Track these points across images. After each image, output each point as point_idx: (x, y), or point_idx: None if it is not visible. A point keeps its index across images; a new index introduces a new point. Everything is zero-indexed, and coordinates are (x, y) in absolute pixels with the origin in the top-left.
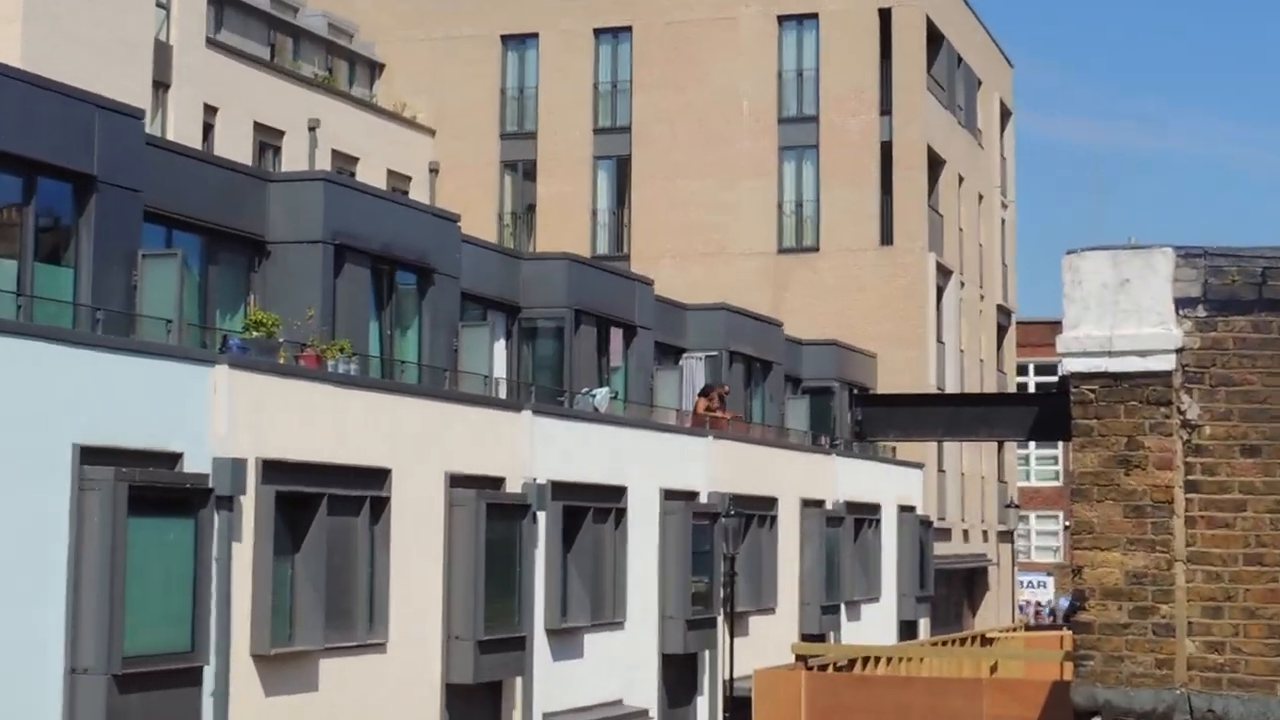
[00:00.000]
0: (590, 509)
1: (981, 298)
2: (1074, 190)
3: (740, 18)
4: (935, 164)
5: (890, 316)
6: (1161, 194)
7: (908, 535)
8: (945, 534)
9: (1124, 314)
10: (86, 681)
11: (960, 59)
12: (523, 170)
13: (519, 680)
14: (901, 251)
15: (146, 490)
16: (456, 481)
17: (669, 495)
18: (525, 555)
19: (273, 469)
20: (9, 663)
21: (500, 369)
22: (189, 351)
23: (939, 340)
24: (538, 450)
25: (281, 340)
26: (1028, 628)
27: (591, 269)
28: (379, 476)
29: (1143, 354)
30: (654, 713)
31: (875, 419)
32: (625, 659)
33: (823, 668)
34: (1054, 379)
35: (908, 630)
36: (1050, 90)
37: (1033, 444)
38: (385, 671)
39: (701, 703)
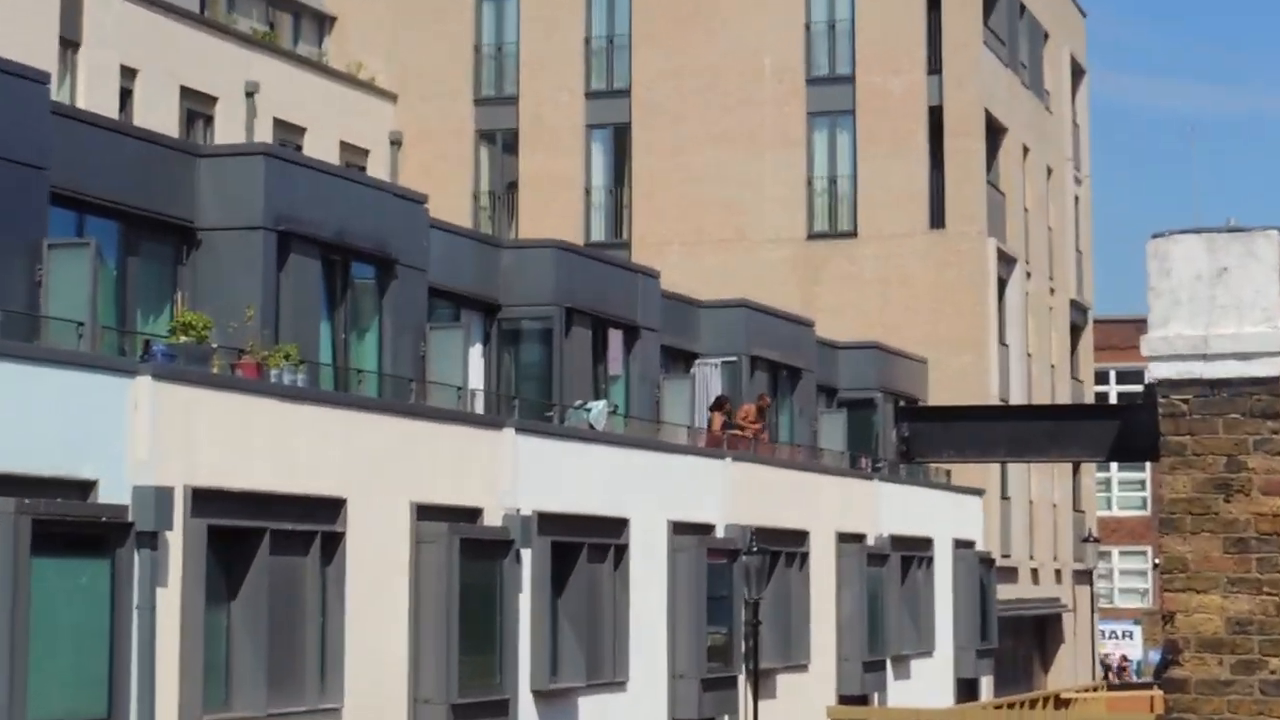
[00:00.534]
0: (585, 546)
1: (1052, 291)
2: (1160, 163)
3: None
4: (995, 132)
5: (943, 314)
6: (1264, 167)
7: (965, 576)
8: (1010, 574)
9: (1222, 310)
10: None
11: (1023, 7)
12: (502, 142)
13: None
14: (955, 236)
15: (54, 525)
16: (424, 513)
17: (679, 529)
18: (507, 602)
19: (204, 499)
20: None
21: (477, 379)
22: (104, 360)
23: (1001, 343)
24: (522, 476)
25: (215, 346)
26: (1110, 687)
27: (585, 259)
28: (332, 508)
29: (1244, 357)
30: None
31: (926, 436)
32: None
33: None
34: (1139, 388)
35: (967, 690)
36: (1130, 45)
37: (1114, 466)
38: None
39: None
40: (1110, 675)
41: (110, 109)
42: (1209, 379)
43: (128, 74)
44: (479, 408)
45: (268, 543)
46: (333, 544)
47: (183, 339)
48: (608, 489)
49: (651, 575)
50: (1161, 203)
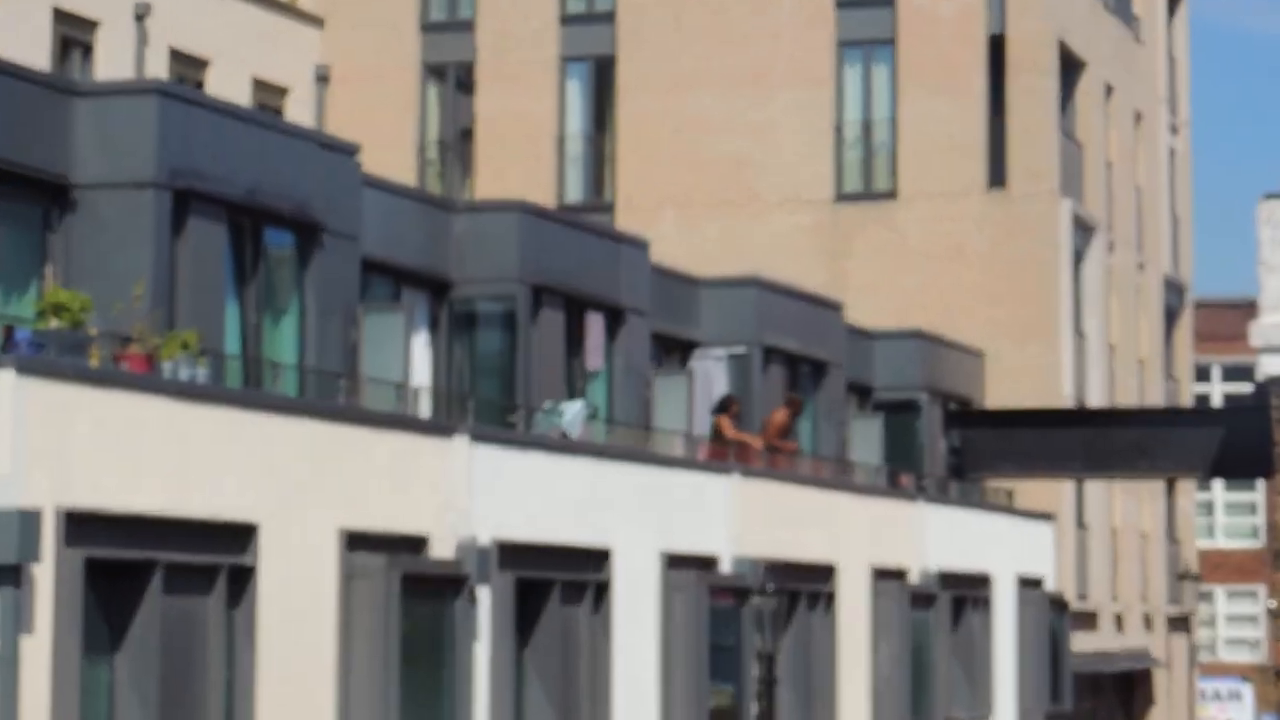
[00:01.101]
0: (557, 583)
1: (1141, 267)
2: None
3: None
4: (1071, 68)
5: (1004, 295)
6: None
7: (1033, 622)
8: (1088, 620)
9: None
10: None
11: None
12: (455, 78)
13: None
14: (1020, 198)
15: None
16: (357, 542)
17: (675, 563)
18: (460, 652)
19: (81, 525)
20: None
21: (422, 374)
22: None
23: (1077, 331)
24: (478, 495)
25: (94, 332)
26: None
27: (557, 225)
28: (240, 536)
29: None
30: None
31: (982, 447)
32: None
33: None
34: (1248, 387)
35: None
36: None
37: (1218, 485)
38: None
39: None
40: None
41: None
42: None
43: None
44: (424, 410)
45: (160, 579)
46: (241, 580)
47: (54, 324)
48: (586, 512)
49: (640, 620)
50: (1275, 156)
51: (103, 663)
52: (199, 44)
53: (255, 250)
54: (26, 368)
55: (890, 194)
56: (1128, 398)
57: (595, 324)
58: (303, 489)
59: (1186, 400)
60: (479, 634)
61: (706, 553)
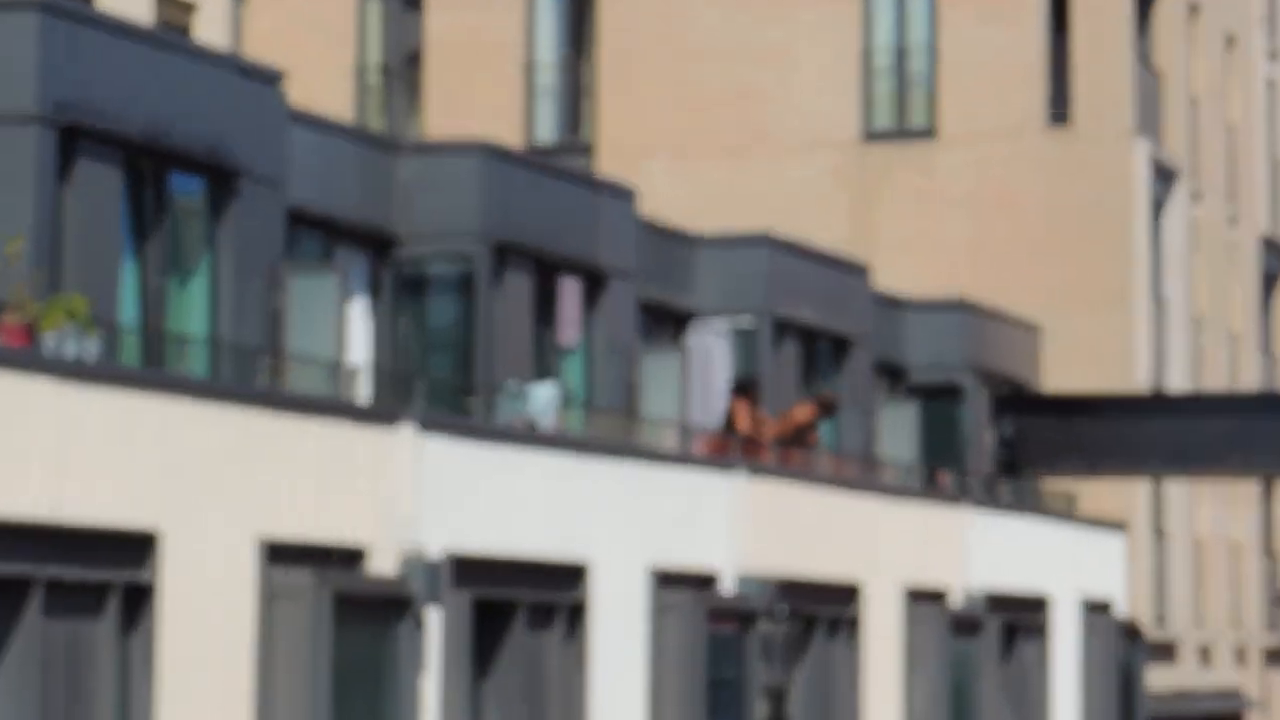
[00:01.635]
0: (522, 605)
1: (1233, 221)
2: None
3: None
4: None
5: (1066, 255)
6: None
7: (1100, 655)
8: (1168, 651)
9: None
10: None
11: None
12: None
13: None
14: (1088, 138)
15: None
16: (280, 555)
17: (666, 581)
18: (403, 684)
19: None
20: None
21: (359, 350)
22: None
23: (1155, 299)
24: (428, 497)
25: None
26: None
27: (525, 171)
28: (138, 547)
29: None
30: None
31: (1039, 440)
32: None
33: None
34: None
35: None
36: None
37: None
38: None
39: None
40: None
41: None
42: None
43: None
44: (363, 394)
45: (39, 599)
46: (138, 601)
47: None
48: (558, 519)
49: (623, 650)
50: None
51: None
52: None
53: (158, 199)
54: None
55: (928, 133)
56: (1217, 380)
57: (570, 290)
58: (214, 490)
59: None
60: (427, 665)
61: (704, 569)
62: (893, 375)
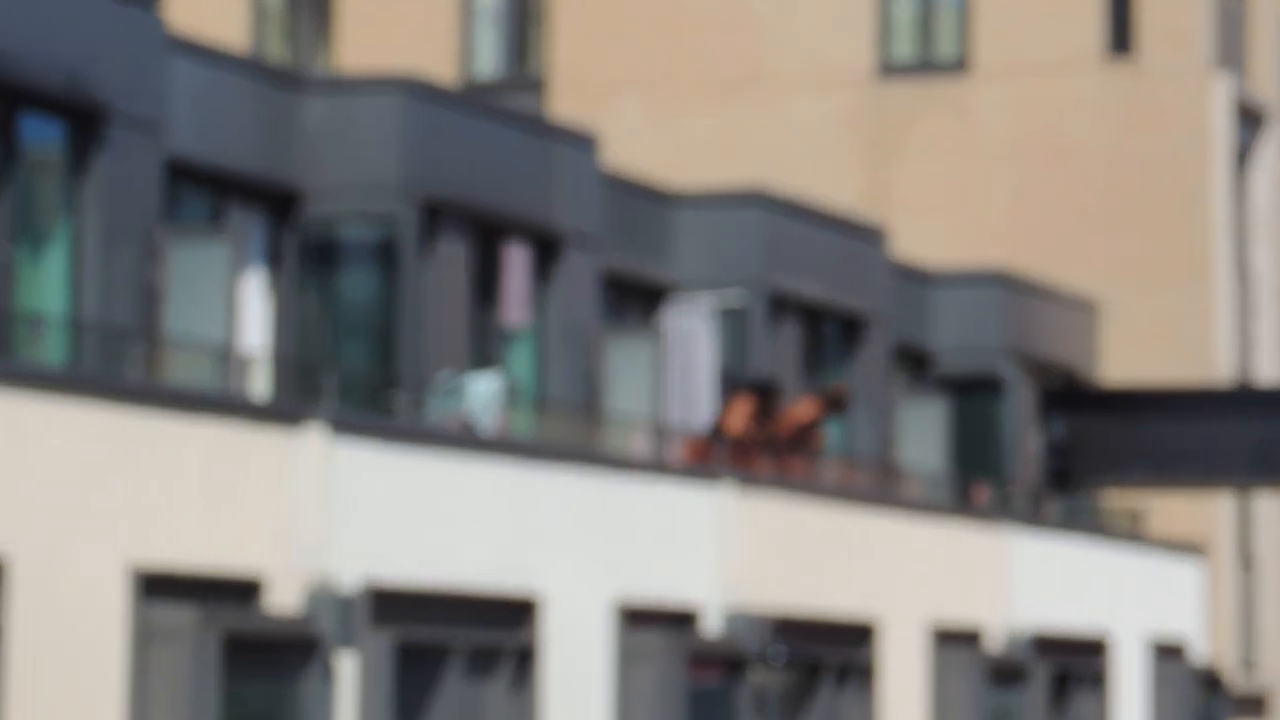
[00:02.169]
0: (457, 651)
1: None
2: None
3: None
4: None
5: (1129, 216)
6: None
7: (1172, 708)
8: (1255, 706)
9: None
10: None
11: None
12: None
13: None
14: (1156, 72)
15: None
16: (156, 587)
17: (635, 619)
18: None
19: None
20: None
21: (256, 332)
22: None
23: (1239, 272)
24: (340, 516)
25: None
26: None
27: (461, 113)
28: None
29: None
30: None
31: (1097, 444)
32: None
33: None
34: None
35: None
36: None
37: None
38: None
39: None
40: None
41: None
42: None
43: None
44: (260, 388)
45: None
46: None
47: None
48: (502, 542)
49: (583, 701)
50: None
51: None
52: None
53: (6, 148)
54: None
55: (959, 66)
56: None
57: (517, 260)
58: (75, 509)
59: None
60: (338, 718)
61: (683, 603)
62: (916, 364)
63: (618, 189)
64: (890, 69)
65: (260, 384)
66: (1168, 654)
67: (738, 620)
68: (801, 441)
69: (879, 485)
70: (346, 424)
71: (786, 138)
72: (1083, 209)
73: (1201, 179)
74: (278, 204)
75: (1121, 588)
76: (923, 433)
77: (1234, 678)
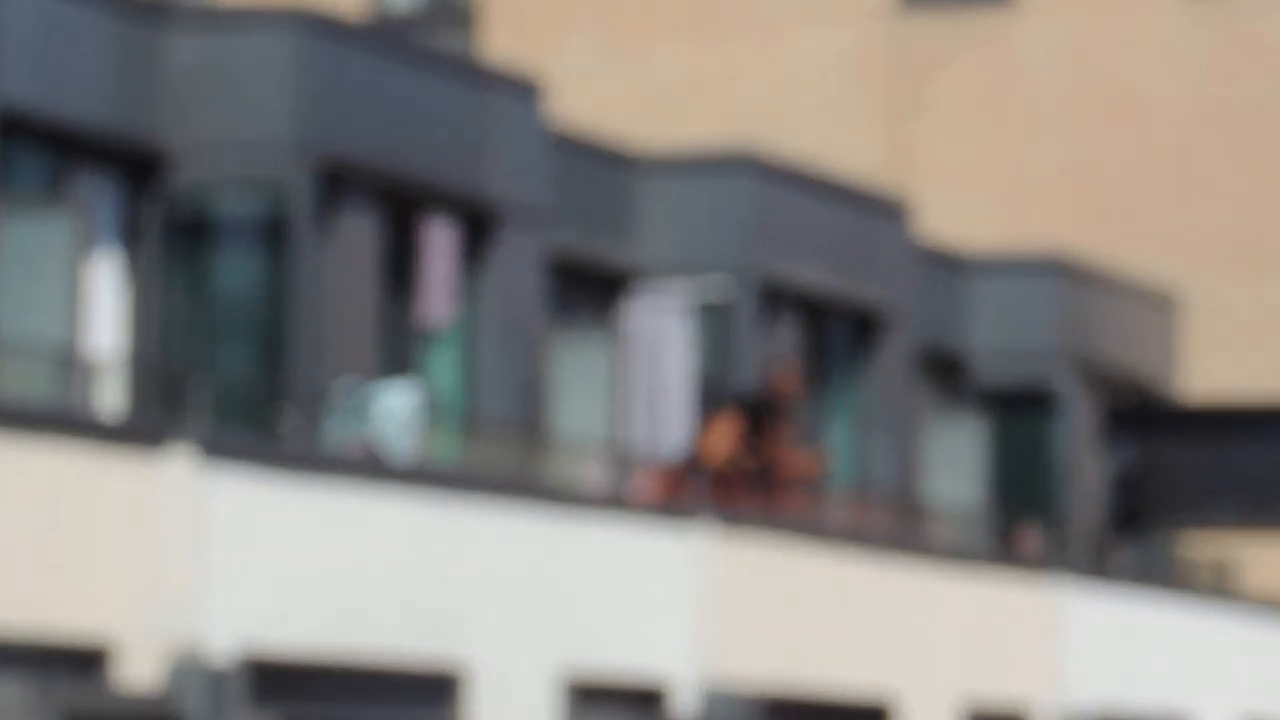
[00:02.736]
0: None
1: None
2: None
3: None
4: None
5: (1217, 190)
6: None
7: None
8: None
9: None
10: None
11: None
12: None
13: None
14: (1246, 9)
15: None
16: None
17: (586, 696)
18: None
19: None
20: None
21: (109, 329)
22: None
23: None
24: (212, 564)
25: None
26: None
27: (368, 52)
28: None
29: None
30: None
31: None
32: None
33: None
34: None
35: None
36: None
37: None
38: None
39: None
40: None
41: None
42: None
43: None
44: (112, 401)
45: None
46: None
47: None
48: (418, 597)
49: None
50: None
51: None
52: None
53: None
54: None
55: None
56: None
57: (441, 240)
58: None
59: None
60: None
61: (648, 676)
62: (948, 372)
63: (567, 150)
64: (913, 0)
65: (112, 397)
66: None
67: (717, 700)
68: (767, 473)
69: (899, 527)
70: (222, 447)
71: (782, 85)
72: (1157, 177)
73: None
74: (135, 168)
75: (1205, 656)
76: (955, 460)
77: None
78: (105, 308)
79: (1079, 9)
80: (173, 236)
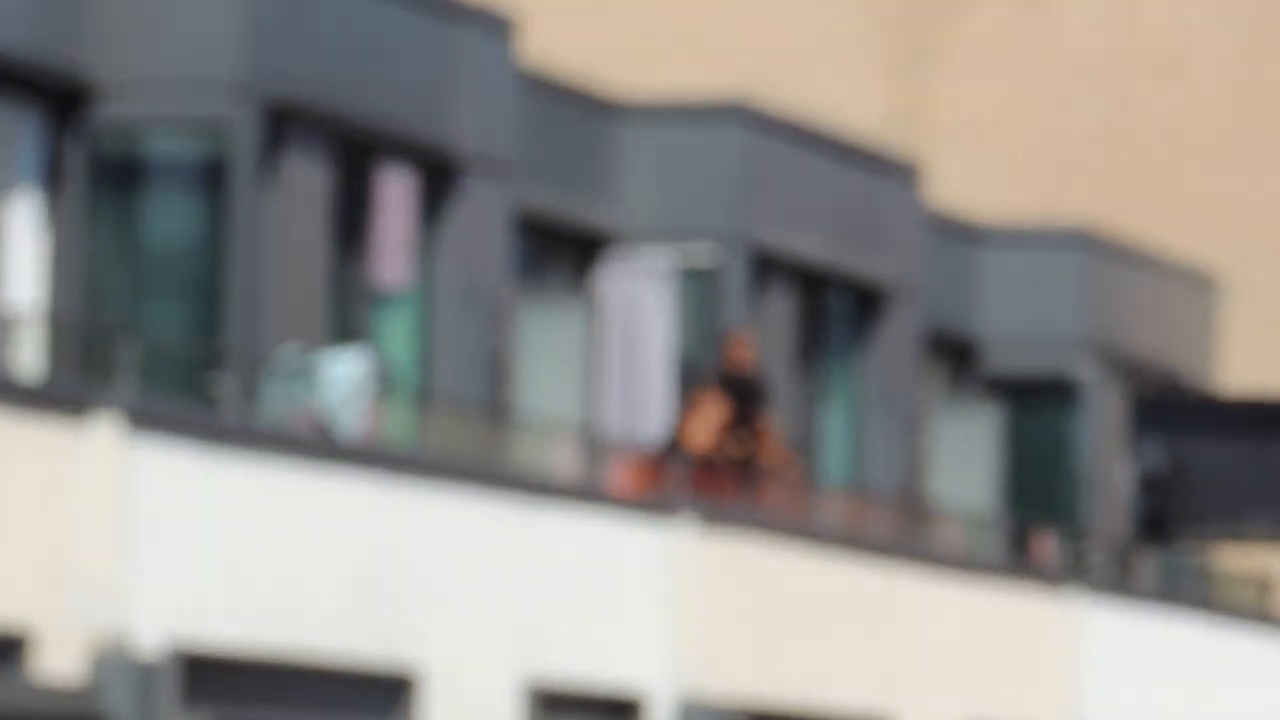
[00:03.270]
0: None
1: None
2: None
3: None
4: None
5: (1264, 155)
6: None
7: None
8: None
9: None
10: None
11: None
12: None
13: None
14: None
15: None
16: None
17: (554, 703)
18: None
19: None
20: None
21: (25, 282)
22: None
23: None
24: (139, 545)
25: None
26: None
27: None
28: None
29: None
30: None
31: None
32: None
33: None
34: None
35: None
36: None
37: None
38: None
39: None
40: None
41: None
42: None
43: None
44: (30, 364)
45: None
46: None
47: None
48: (367, 588)
49: None
50: None
51: None
52: None
53: None
54: None
55: None
56: None
57: (398, 190)
58: None
59: None
60: None
61: (620, 688)
62: (957, 356)
63: (540, 94)
64: None
65: (28, 357)
66: None
67: (696, 713)
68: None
69: (902, 529)
70: (150, 416)
71: (778, 28)
72: (1198, 144)
73: None
74: (57, 101)
75: (1239, 682)
76: (965, 455)
77: None
78: (22, 257)
79: None
80: (99, 179)
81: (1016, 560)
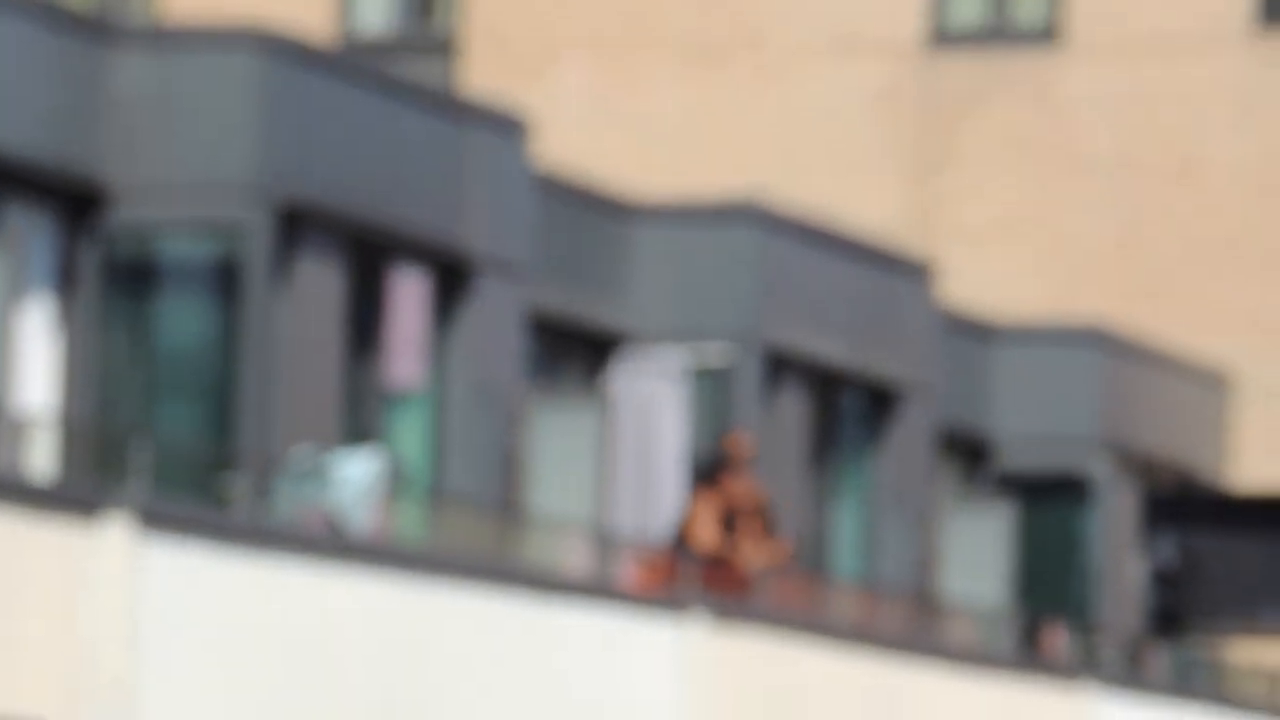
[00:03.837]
0: None
1: None
2: None
3: None
4: None
5: (1277, 256)
6: None
7: None
8: None
9: None
10: None
11: None
12: None
13: None
14: None
15: None
16: None
17: None
18: None
19: None
20: None
21: (39, 385)
22: None
23: None
24: (149, 646)
25: None
26: None
27: (337, 80)
28: None
29: None
30: None
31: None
32: None
33: None
34: None
35: None
36: None
37: None
38: None
39: None
40: None
41: None
42: None
43: None
44: (41, 465)
45: None
46: None
47: None
48: (379, 690)
49: None
50: None
51: None
52: None
53: None
54: None
55: (1044, 36)
56: None
57: (411, 292)
58: None
59: None
60: None
61: None
62: (970, 455)
63: (554, 195)
64: (946, 37)
65: (42, 458)
66: None
67: None
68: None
69: (912, 624)
70: (162, 516)
71: (791, 129)
72: (1214, 243)
73: None
74: (72, 204)
75: None
76: (977, 552)
77: None
78: (36, 359)
79: (1131, 49)
80: (113, 281)
81: (1028, 654)
